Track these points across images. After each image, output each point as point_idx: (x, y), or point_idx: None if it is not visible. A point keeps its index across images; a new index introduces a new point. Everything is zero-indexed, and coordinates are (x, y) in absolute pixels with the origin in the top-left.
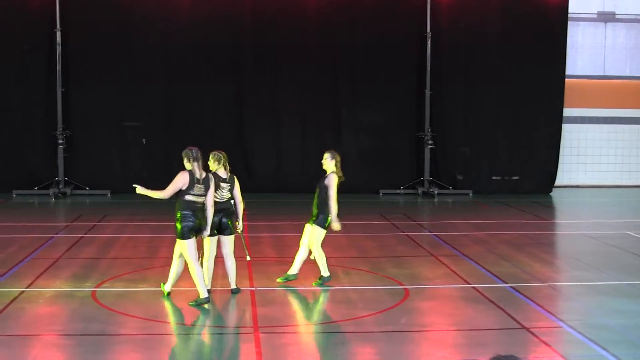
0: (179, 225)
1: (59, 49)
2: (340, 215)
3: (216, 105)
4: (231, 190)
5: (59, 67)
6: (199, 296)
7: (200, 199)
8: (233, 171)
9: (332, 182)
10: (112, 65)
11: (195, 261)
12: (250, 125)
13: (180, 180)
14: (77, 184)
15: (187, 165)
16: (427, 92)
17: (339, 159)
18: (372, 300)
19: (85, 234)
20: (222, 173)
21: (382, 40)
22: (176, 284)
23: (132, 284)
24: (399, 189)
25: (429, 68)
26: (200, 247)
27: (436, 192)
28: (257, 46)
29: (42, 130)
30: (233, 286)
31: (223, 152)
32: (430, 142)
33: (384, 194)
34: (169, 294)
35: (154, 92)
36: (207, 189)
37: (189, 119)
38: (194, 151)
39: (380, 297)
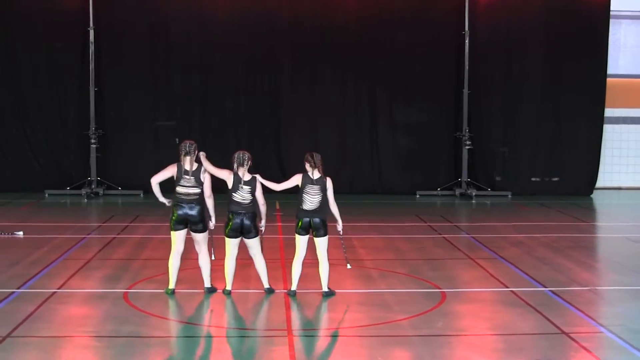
0: (170, 220)
1: (92, 47)
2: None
3: (252, 104)
4: (252, 192)
5: (92, 65)
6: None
7: (192, 190)
8: (258, 172)
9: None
10: (145, 64)
11: (174, 253)
12: (287, 124)
13: (168, 170)
14: (110, 184)
15: (181, 158)
16: (465, 91)
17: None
18: (408, 303)
19: (117, 234)
20: (242, 174)
21: (420, 39)
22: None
23: (165, 285)
24: (436, 190)
25: (466, 67)
26: (210, 245)
27: (474, 194)
28: (294, 45)
29: (74, 130)
30: (266, 286)
31: (247, 152)
32: (468, 142)
33: (420, 195)
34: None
35: (188, 92)
36: (198, 181)
37: (223, 119)
38: (187, 144)
39: (416, 300)
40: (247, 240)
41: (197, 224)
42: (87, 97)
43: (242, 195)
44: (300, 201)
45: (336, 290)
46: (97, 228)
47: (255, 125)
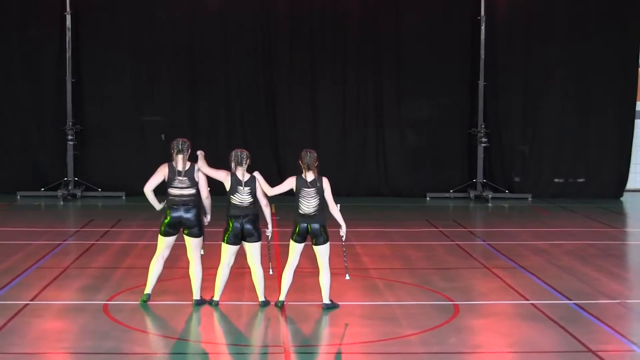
0: (161, 223)
1: (69, 34)
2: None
3: (246, 98)
4: (252, 193)
5: (68, 54)
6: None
7: (186, 192)
8: (258, 171)
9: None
10: (129, 53)
11: (158, 257)
12: (284, 121)
13: (159, 172)
14: (89, 185)
15: (173, 157)
16: (481, 83)
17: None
18: (418, 317)
19: (97, 240)
20: (240, 174)
21: (429, 25)
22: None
23: (153, 295)
24: (449, 192)
25: (482, 56)
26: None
27: (490, 196)
28: (293, 33)
29: (50, 125)
30: (261, 299)
31: (245, 151)
32: (484, 139)
33: (431, 197)
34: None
35: (176, 84)
36: (192, 180)
37: (215, 114)
38: (180, 142)
39: (427, 313)
40: (247, 245)
41: (192, 227)
42: (63, 89)
43: (241, 198)
44: (296, 206)
45: (338, 303)
46: (75, 233)
47: (250, 122)
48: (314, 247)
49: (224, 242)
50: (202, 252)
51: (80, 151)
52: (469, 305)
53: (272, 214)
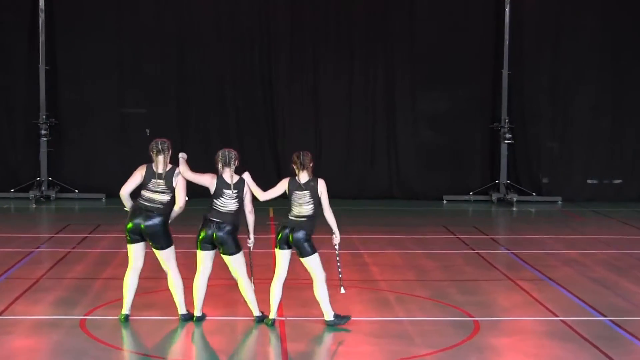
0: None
1: (42, 15)
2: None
3: (241, 90)
4: (239, 198)
5: (42, 39)
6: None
7: (159, 197)
8: (248, 172)
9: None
10: (111, 38)
11: (130, 269)
12: (284, 116)
13: (136, 174)
14: (64, 186)
15: (153, 159)
16: (505, 72)
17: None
18: (433, 334)
19: (73, 248)
20: (227, 176)
21: (447, 7)
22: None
23: (132, 311)
24: (468, 194)
25: (507, 42)
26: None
27: (515, 199)
28: (294, 16)
29: (21, 118)
30: (256, 313)
31: (233, 151)
32: (508, 135)
33: (448, 200)
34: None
35: (163, 72)
36: (169, 185)
37: (206, 107)
38: (159, 143)
39: (443, 330)
40: (224, 258)
41: (155, 239)
42: (36, 77)
43: (225, 203)
44: (288, 209)
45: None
46: (49, 240)
47: (246, 117)
48: (301, 260)
49: (197, 248)
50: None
51: (55, 148)
52: (490, 322)
53: (270, 218)
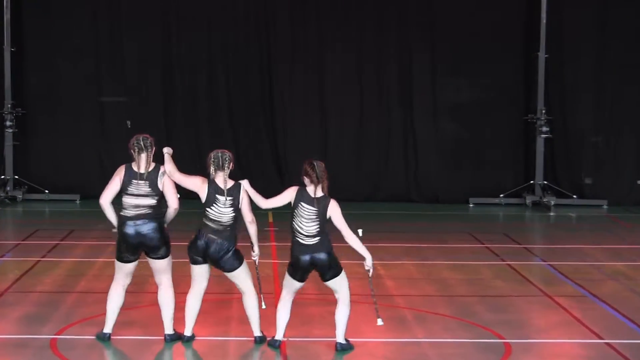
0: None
1: None
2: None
3: (234, 76)
4: (234, 206)
5: (7, 16)
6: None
7: (143, 201)
8: (245, 177)
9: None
10: (87, 15)
11: (116, 286)
12: (285, 106)
13: (115, 178)
14: (33, 185)
15: (134, 157)
16: (541, 55)
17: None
18: (457, 357)
19: (43, 256)
20: (220, 181)
21: None
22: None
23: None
24: (498, 197)
25: (544, 21)
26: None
27: (553, 203)
28: None
29: None
30: (257, 333)
31: (227, 152)
32: (545, 128)
33: (475, 204)
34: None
35: (146, 55)
36: (154, 187)
37: (195, 95)
38: (141, 139)
39: (469, 354)
40: (227, 275)
41: (155, 248)
42: (0, 60)
43: (219, 211)
44: (292, 229)
45: (356, 339)
46: (15, 247)
47: (242, 108)
48: (325, 283)
49: (191, 261)
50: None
51: (21, 141)
52: (523, 345)
53: (270, 224)
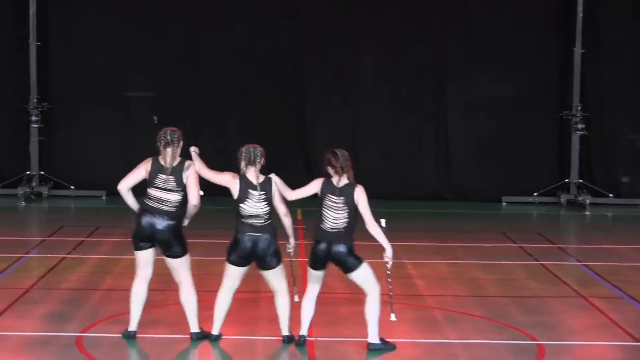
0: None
1: None
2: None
3: (262, 67)
4: (267, 200)
5: (32, 10)
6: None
7: (167, 196)
8: (273, 171)
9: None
10: (111, 9)
11: (138, 280)
12: (315, 100)
13: (140, 168)
14: (58, 181)
15: (160, 151)
16: (577, 50)
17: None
18: (489, 359)
19: (68, 253)
20: (252, 176)
21: None
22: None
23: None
24: (532, 195)
25: (580, 14)
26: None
27: (588, 202)
28: None
29: (7, 103)
30: (285, 332)
31: (259, 147)
32: (580, 125)
33: (508, 202)
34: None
35: (172, 49)
36: (180, 182)
37: (222, 89)
38: (168, 133)
39: (501, 356)
40: (264, 273)
41: (168, 245)
42: (25, 55)
43: (253, 206)
44: (318, 218)
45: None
46: (40, 244)
47: (270, 102)
48: (347, 276)
49: (227, 261)
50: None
51: (47, 137)
52: (557, 347)
53: (298, 221)
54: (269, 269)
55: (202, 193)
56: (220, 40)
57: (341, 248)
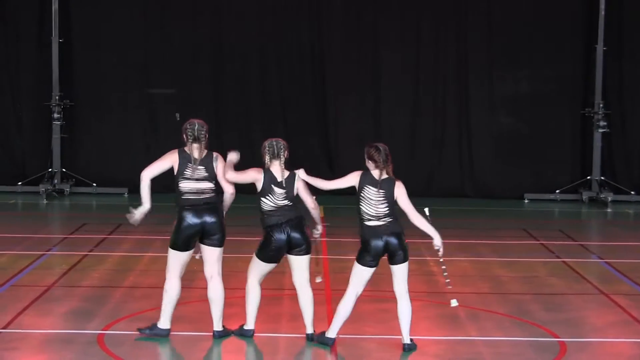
0: (174, 232)
1: None
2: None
3: (285, 66)
4: (290, 194)
5: (55, 6)
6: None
7: (203, 185)
8: (303, 169)
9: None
10: (135, 5)
11: (172, 279)
12: (337, 96)
13: (166, 158)
14: (80, 178)
15: (186, 144)
16: (600, 48)
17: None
18: (511, 357)
19: (90, 251)
20: (277, 172)
21: None
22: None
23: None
24: (554, 192)
25: (602, 12)
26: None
27: (610, 199)
28: None
29: (30, 100)
30: (309, 330)
31: (282, 141)
32: (602, 123)
33: (530, 200)
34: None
35: (194, 47)
36: (210, 171)
37: (244, 87)
38: (196, 126)
39: (523, 353)
40: (294, 259)
41: (214, 234)
42: (48, 52)
43: (277, 200)
44: (360, 214)
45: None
46: (62, 241)
47: (293, 99)
48: (392, 267)
49: (258, 257)
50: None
51: (69, 134)
52: (579, 344)
53: (321, 219)
54: (299, 255)
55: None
56: (243, 39)
57: (394, 239)
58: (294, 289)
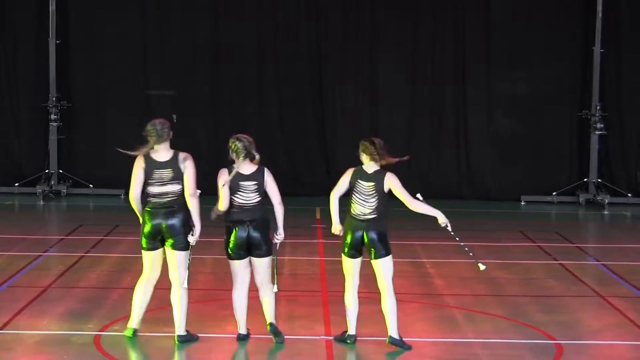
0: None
1: None
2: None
3: (283, 68)
4: (259, 189)
5: (52, 7)
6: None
7: (169, 188)
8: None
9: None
10: (132, 7)
11: (146, 281)
12: (333, 96)
13: (137, 168)
14: (77, 180)
15: (151, 145)
16: (597, 50)
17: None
18: (508, 358)
19: (87, 252)
20: (246, 167)
21: None
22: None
23: (154, 326)
24: (551, 194)
25: (600, 15)
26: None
27: (607, 201)
28: None
29: (27, 101)
30: (270, 320)
31: (247, 136)
32: (599, 125)
33: (527, 202)
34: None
35: (192, 47)
36: (177, 172)
37: (242, 88)
38: (157, 126)
39: (520, 355)
40: (255, 260)
41: (176, 237)
42: (45, 53)
43: (244, 197)
44: (349, 206)
45: (404, 339)
46: (58, 242)
47: (290, 100)
48: (372, 261)
49: (228, 257)
50: (185, 286)
51: (66, 135)
52: (575, 346)
53: (317, 221)
54: (259, 257)
55: (199, 192)
56: (241, 39)
57: (374, 233)
58: (291, 290)
